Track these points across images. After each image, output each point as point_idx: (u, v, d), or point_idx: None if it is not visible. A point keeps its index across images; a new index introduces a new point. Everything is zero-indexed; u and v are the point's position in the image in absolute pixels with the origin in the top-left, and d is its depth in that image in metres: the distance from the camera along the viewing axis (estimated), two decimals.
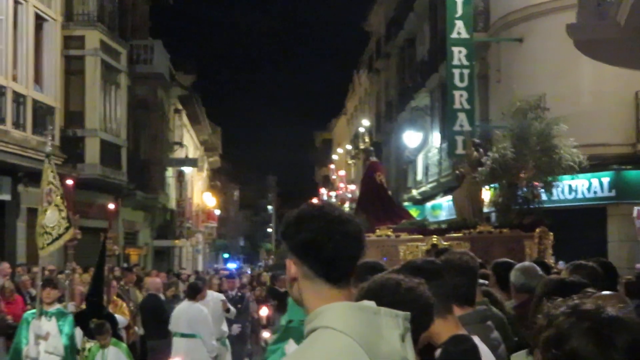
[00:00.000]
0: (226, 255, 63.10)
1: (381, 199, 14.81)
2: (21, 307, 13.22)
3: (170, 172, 38.13)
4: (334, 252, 2.50)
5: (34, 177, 20.60)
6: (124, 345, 10.75)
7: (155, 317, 13.39)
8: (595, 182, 21.02)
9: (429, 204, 32.39)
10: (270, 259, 60.76)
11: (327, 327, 2.41)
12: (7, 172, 19.80)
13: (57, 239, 10.15)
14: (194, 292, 13.06)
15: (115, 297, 12.59)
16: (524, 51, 22.47)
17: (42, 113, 21.88)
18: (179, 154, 40.55)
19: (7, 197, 20.21)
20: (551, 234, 13.59)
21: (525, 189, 16.47)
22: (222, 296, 14.90)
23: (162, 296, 14.88)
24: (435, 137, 30.50)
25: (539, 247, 13.30)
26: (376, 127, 46.82)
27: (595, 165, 20.72)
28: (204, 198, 53.47)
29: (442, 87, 27.86)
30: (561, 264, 15.13)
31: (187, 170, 42.67)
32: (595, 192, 21.05)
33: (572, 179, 20.26)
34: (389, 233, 13.25)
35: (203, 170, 55.13)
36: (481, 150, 16.53)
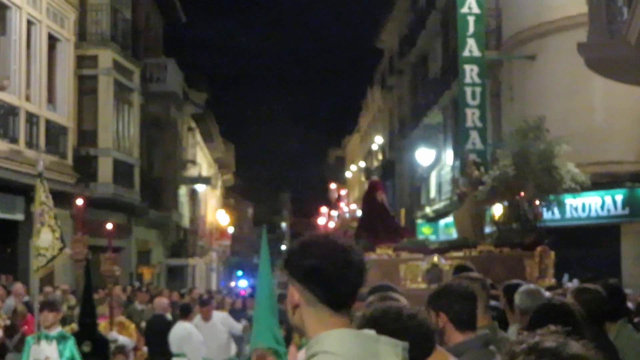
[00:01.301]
0: (240, 273, 63.09)
1: (382, 217, 14.79)
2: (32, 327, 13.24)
3: (183, 190, 38.20)
4: (336, 279, 2.56)
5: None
6: None
7: (160, 337, 13.38)
8: (608, 199, 20.93)
9: (442, 222, 32.31)
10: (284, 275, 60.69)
11: (327, 352, 2.47)
12: (20, 192, 19.87)
13: (50, 260, 9.91)
14: (185, 312, 13.38)
15: (122, 319, 12.45)
16: (536, 69, 22.45)
17: (55, 133, 21.98)
18: (192, 172, 40.62)
19: (20, 217, 20.27)
20: (552, 252, 13.54)
21: (526, 208, 16.48)
22: (228, 317, 14.88)
23: (169, 316, 14.85)
24: (448, 155, 30.46)
25: (539, 266, 13.22)
26: (389, 144, 46.81)
27: (609, 183, 20.68)
28: (217, 216, 53.52)
29: (454, 105, 27.85)
30: (575, 282, 15.07)
31: (201, 188, 42.72)
32: (608, 210, 20.96)
33: (575, 197, 20.22)
34: (389, 252, 13.18)
35: (216, 188, 55.21)
36: (482, 169, 16.54)
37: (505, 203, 16.85)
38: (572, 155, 19.11)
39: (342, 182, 70.14)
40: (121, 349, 10.72)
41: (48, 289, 17.12)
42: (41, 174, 10.33)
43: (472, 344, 4.05)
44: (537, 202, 16.91)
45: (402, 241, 14.03)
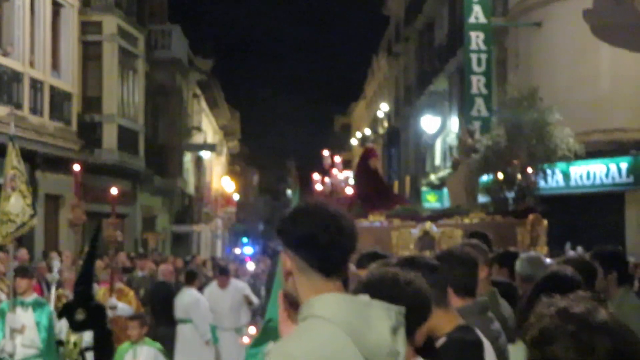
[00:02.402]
0: (245, 240, 63.25)
1: (375, 185, 14.73)
2: (38, 294, 13.27)
3: (188, 157, 38.20)
4: (328, 245, 2.61)
5: (51, 163, 20.74)
6: (158, 344, 10.09)
7: (164, 304, 13.42)
8: (613, 167, 20.88)
9: (447, 189, 32.32)
10: None
11: (316, 316, 2.53)
12: (24, 159, 19.72)
13: (21, 226, 9.49)
14: (190, 278, 13.37)
15: (121, 285, 12.34)
16: (543, 36, 22.32)
17: (59, 99, 21.96)
18: (198, 139, 40.59)
19: None
20: (545, 221, 13.52)
21: (519, 176, 16.50)
22: (246, 288, 14.82)
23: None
24: (454, 122, 30.38)
25: (531, 234, 13.19)
26: (395, 111, 46.70)
27: (614, 150, 20.63)
28: (222, 183, 53.54)
29: (460, 72, 27.75)
30: (579, 250, 15.09)
31: (206, 155, 42.71)
32: (613, 178, 20.90)
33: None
34: (382, 219, 13.17)
35: (222, 155, 55.19)
36: (476, 137, 16.53)
37: (499, 173, 16.89)
38: (577, 122, 19.12)
39: (348, 149, 70.10)
40: (136, 316, 10.47)
41: (53, 254, 17.19)
42: (13, 136, 9.87)
43: (471, 310, 4.06)
44: (530, 170, 16.93)
45: (395, 208, 14.01)
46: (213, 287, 14.14)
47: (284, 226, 2.70)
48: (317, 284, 2.61)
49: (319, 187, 14.48)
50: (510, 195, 17.87)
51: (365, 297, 2.62)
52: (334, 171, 14.87)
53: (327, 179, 14.76)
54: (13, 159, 9.62)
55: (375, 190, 14.45)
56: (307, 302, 2.57)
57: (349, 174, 16.28)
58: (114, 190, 11.85)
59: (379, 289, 2.84)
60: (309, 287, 2.62)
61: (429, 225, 12.96)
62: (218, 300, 13.72)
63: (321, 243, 2.60)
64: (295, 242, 2.65)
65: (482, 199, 17.89)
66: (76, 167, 11.83)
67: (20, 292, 9.39)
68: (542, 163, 17.21)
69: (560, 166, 19.67)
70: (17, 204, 9.47)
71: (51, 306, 10.03)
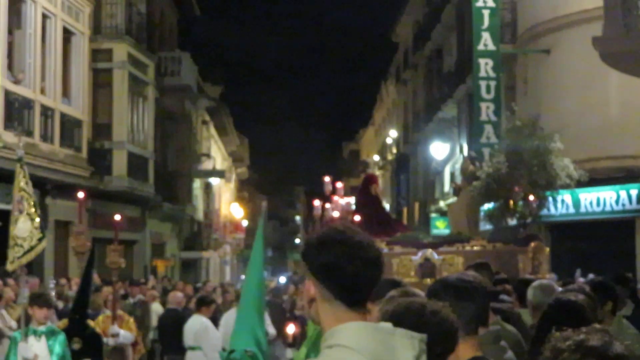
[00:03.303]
0: None
1: (376, 211, 14.71)
2: None
3: (197, 184, 38.25)
4: (353, 276, 2.57)
5: (62, 190, 20.78)
6: None
7: (173, 331, 13.36)
8: (623, 194, 20.84)
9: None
10: (298, 270, 60.71)
11: (341, 345, 2.48)
12: (35, 185, 19.79)
13: (29, 251, 9.09)
14: (200, 305, 13.30)
15: (121, 312, 12.13)
16: (551, 62, 22.36)
17: (69, 126, 22.04)
18: (207, 165, 40.66)
19: None
20: (547, 248, 13.49)
21: (520, 204, 16.51)
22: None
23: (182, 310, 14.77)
24: (463, 149, 30.38)
25: (533, 262, 13.16)
26: (404, 137, 46.73)
27: (624, 177, 20.60)
28: (231, 209, 53.56)
29: (469, 99, 27.78)
30: (591, 277, 15.02)
31: (215, 181, 42.77)
32: (623, 205, 20.84)
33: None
34: (383, 246, 13.10)
35: (231, 181, 55.26)
36: (477, 164, 16.58)
37: (502, 200, 16.91)
38: (586, 148, 19.13)
39: (357, 175, 70.08)
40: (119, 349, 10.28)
41: (63, 281, 17.20)
42: (21, 158, 9.48)
43: (485, 340, 4.03)
44: (532, 198, 16.95)
45: (395, 235, 13.98)
46: (232, 312, 13.91)
47: (309, 252, 2.65)
48: (340, 313, 2.58)
49: (321, 212, 14.46)
50: (513, 223, 17.88)
51: (388, 325, 2.59)
52: (335, 197, 14.86)
53: (327, 205, 14.73)
54: (21, 180, 9.29)
55: (375, 217, 14.44)
56: (332, 331, 2.54)
57: (351, 200, 16.27)
58: (117, 217, 11.79)
59: (404, 319, 2.81)
60: (332, 316, 2.59)
61: (429, 252, 12.94)
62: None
63: (346, 273, 2.56)
64: (319, 271, 2.61)
65: (484, 226, 17.90)
66: (80, 195, 11.76)
67: (40, 322, 9.07)
68: (544, 190, 17.22)
69: (569, 193, 19.65)
70: (24, 228, 9.14)
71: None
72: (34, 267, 19.25)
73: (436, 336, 2.67)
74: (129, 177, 24.81)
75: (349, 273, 2.56)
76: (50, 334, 9.17)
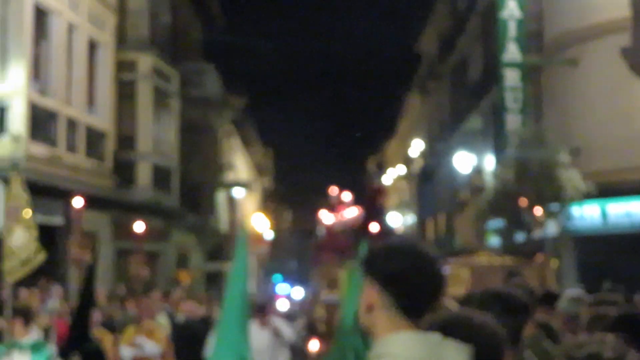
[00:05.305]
0: (279, 278, 63.18)
1: (379, 221, 14.66)
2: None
3: (221, 195, 38.27)
4: (418, 286, 2.64)
5: (88, 202, 20.81)
6: None
7: (189, 344, 13.21)
8: None
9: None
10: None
11: (391, 354, 2.55)
12: (60, 196, 19.97)
13: (25, 262, 8.81)
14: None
15: (151, 324, 11.91)
16: (578, 72, 22.16)
17: (94, 137, 22.10)
18: (231, 176, 40.70)
19: (59, 221, 20.37)
20: (555, 260, 13.41)
21: (527, 217, 16.42)
22: (280, 322, 14.49)
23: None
24: (488, 160, 30.19)
25: (539, 275, 13.04)
26: (428, 149, 46.59)
27: None
28: (255, 221, 53.59)
29: (495, 110, 27.61)
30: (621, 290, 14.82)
31: (239, 193, 42.80)
32: None
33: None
34: None
35: (255, 192, 55.31)
36: (481, 177, 16.60)
37: (507, 213, 16.82)
38: (613, 159, 18.93)
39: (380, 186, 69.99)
40: None
41: None
42: (17, 164, 9.26)
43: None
44: (539, 211, 16.83)
45: None
46: (255, 327, 13.71)
47: (374, 260, 2.70)
48: (397, 321, 2.63)
49: (329, 220, 14.42)
50: (522, 237, 17.77)
51: (437, 336, 2.62)
52: (342, 208, 14.80)
53: (334, 215, 14.69)
54: (17, 188, 8.98)
55: (380, 227, 14.36)
56: (383, 339, 2.59)
57: (357, 211, 16.33)
58: (139, 227, 11.68)
59: (452, 330, 2.79)
60: (389, 324, 2.63)
61: None
62: (262, 341, 13.37)
63: (412, 282, 2.62)
64: (385, 279, 2.65)
65: (493, 241, 17.77)
66: (78, 202, 11.46)
67: (15, 334, 8.57)
68: (549, 203, 17.10)
69: (608, 203, 19.47)
70: (19, 238, 8.85)
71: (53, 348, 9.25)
72: (58, 277, 19.30)
73: (483, 348, 2.68)
74: (153, 188, 24.84)
75: (415, 282, 2.63)
76: (36, 348, 8.65)
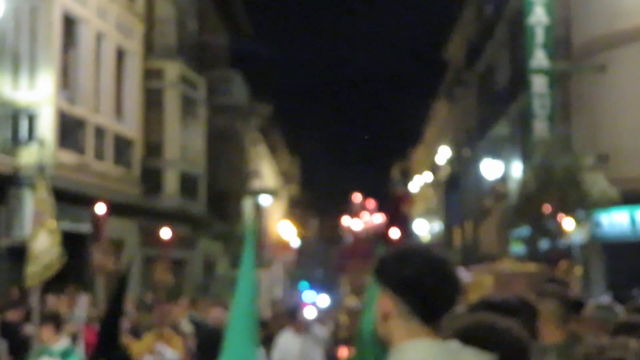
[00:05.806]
0: (305, 285, 63.12)
1: (403, 228, 14.60)
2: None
3: (248, 202, 38.31)
4: (433, 291, 2.56)
5: (114, 209, 20.90)
6: None
7: (214, 351, 13.08)
8: None
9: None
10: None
11: None
12: (88, 204, 20.06)
13: (48, 267, 8.81)
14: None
15: (168, 331, 11.72)
16: (607, 79, 22.00)
17: (122, 145, 22.21)
18: (258, 184, 40.73)
19: (87, 228, 20.45)
20: (578, 268, 13.29)
21: (550, 223, 16.25)
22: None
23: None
24: (516, 167, 30.02)
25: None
26: (455, 156, 46.42)
27: None
28: (282, 228, 53.62)
29: (522, 116, 27.45)
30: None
31: (266, 200, 42.82)
32: None
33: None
34: None
35: (282, 199, 55.34)
36: (504, 184, 16.50)
37: (531, 220, 16.66)
38: None
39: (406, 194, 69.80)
40: None
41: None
42: (43, 168, 9.50)
43: None
44: (562, 217, 16.65)
45: None
46: (290, 335, 13.45)
47: (387, 267, 2.62)
48: (414, 328, 2.55)
49: (353, 227, 14.36)
50: (546, 244, 17.59)
51: (456, 344, 2.55)
52: (365, 214, 14.75)
53: (355, 221, 14.63)
54: (43, 192, 9.02)
55: (403, 234, 14.30)
56: (400, 347, 2.52)
57: (380, 217, 16.29)
58: (165, 233, 11.63)
59: (474, 337, 2.72)
60: (405, 331, 2.56)
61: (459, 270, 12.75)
62: (300, 349, 13.20)
63: (426, 288, 2.54)
64: (399, 285, 2.57)
65: (516, 248, 17.61)
66: (101, 209, 11.43)
67: (45, 340, 8.55)
68: (575, 209, 16.91)
69: (627, 211, 19.26)
70: (43, 242, 8.85)
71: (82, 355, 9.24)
72: (85, 284, 19.36)
73: (507, 355, 2.60)
74: (181, 195, 24.91)
75: (429, 287, 2.55)
76: (66, 355, 8.66)
